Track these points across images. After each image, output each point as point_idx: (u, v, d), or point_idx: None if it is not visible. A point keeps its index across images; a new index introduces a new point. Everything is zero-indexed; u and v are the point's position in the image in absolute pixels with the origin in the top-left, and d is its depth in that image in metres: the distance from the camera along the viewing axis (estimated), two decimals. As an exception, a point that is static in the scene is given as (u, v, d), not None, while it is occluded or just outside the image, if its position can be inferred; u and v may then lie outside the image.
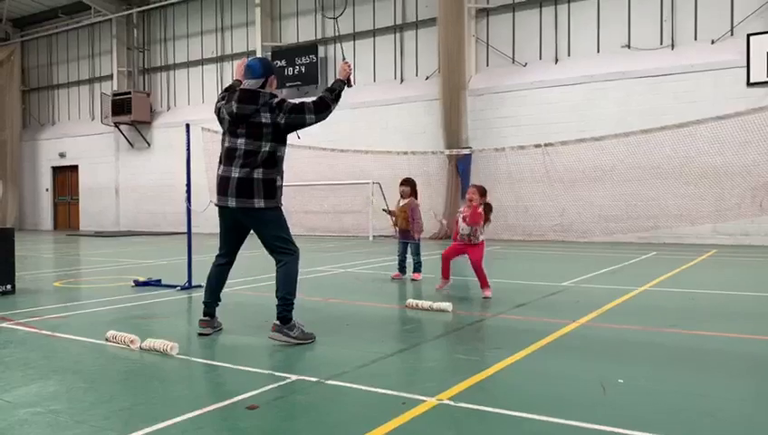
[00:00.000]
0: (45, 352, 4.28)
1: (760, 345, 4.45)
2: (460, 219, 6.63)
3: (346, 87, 4.65)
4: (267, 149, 4.41)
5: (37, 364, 3.95)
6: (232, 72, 20.91)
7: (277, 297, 4.46)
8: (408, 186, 8.09)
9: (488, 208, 6.60)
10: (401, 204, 8.11)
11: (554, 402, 3.14)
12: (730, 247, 12.79)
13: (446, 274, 6.83)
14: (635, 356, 4.10)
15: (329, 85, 4.64)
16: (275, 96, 4.52)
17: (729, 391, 3.37)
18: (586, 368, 3.80)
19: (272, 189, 4.43)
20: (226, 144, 4.53)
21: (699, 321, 5.27)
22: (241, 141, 4.43)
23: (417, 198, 8.17)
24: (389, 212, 8.40)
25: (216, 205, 4.59)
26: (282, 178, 4.54)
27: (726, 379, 3.59)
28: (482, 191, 6.58)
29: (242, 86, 4.54)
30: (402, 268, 8.16)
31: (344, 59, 4.76)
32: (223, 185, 4.47)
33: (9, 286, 6.89)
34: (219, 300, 4.85)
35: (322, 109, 4.49)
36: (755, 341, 4.55)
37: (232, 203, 4.43)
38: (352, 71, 4.68)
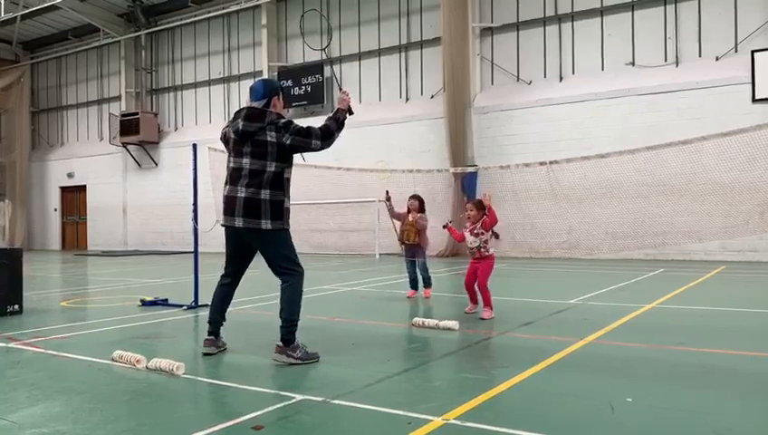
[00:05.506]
0: (51, 373, 4.28)
1: (770, 363, 4.41)
2: (467, 234, 6.52)
3: (348, 115, 4.68)
4: (273, 169, 4.42)
5: (43, 385, 3.95)
6: (239, 92, 21.13)
7: (281, 318, 4.46)
8: (417, 201, 8.14)
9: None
10: (410, 219, 8.12)
11: (563, 422, 3.11)
12: (739, 264, 12.70)
13: (473, 299, 6.68)
14: (643, 375, 4.06)
15: (332, 114, 4.68)
16: (282, 117, 4.56)
17: (738, 409, 3.33)
18: (594, 387, 3.77)
19: (279, 211, 4.45)
20: (231, 164, 4.56)
21: (708, 338, 5.23)
22: (246, 161, 4.45)
23: (425, 214, 8.20)
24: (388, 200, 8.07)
25: (223, 225, 4.60)
26: (289, 199, 4.56)
27: (735, 397, 3.55)
28: (479, 205, 6.55)
29: (248, 106, 4.59)
30: (415, 286, 8.17)
31: (341, 89, 4.81)
32: (229, 205, 4.49)
33: (17, 306, 6.92)
34: (224, 319, 4.85)
35: (327, 136, 4.54)
36: (765, 359, 4.50)
37: (239, 223, 4.44)
38: (351, 99, 4.73)
